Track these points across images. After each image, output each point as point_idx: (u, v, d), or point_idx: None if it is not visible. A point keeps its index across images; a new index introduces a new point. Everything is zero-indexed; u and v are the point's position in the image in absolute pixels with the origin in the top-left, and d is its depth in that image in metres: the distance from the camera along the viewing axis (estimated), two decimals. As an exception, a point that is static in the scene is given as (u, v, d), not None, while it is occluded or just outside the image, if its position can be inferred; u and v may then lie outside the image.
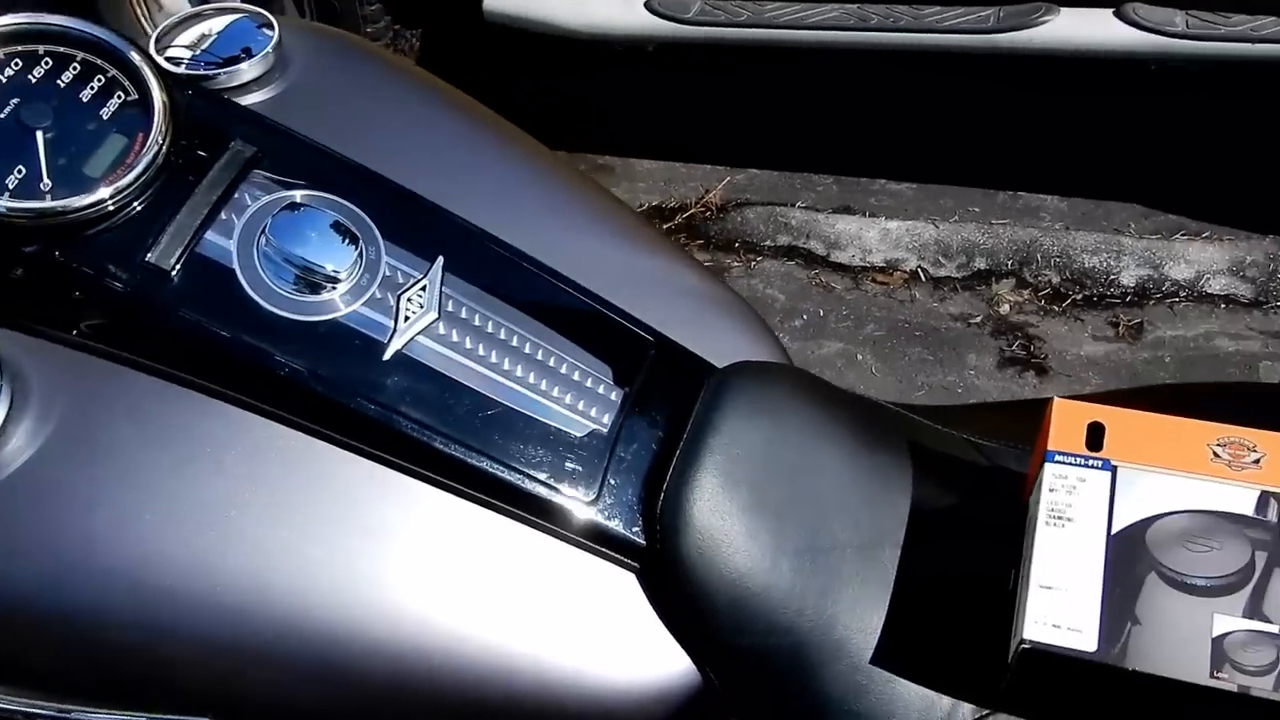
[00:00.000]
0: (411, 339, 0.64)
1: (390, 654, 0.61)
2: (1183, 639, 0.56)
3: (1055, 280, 2.12)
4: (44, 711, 0.64)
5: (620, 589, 0.65)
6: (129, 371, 0.62)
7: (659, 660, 0.64)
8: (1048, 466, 0.63)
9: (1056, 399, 0.65)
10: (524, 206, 0.74)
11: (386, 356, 0.63)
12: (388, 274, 0.65)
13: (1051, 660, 0.58)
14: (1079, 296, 2.09)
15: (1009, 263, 2.17)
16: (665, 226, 2.35)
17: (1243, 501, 0.59)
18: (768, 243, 2.29)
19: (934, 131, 2.43)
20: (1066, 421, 0.64)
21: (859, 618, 0.65)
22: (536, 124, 0.92)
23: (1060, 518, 0.61)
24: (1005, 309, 2.09)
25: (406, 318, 0.64)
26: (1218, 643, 0.56)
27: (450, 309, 0.65)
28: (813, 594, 0.64)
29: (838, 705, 0.64)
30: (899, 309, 2.12)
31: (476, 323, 0.66)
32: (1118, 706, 0.61)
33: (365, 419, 0.61)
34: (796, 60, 2.37)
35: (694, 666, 0.65)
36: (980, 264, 2.18)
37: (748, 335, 0.76)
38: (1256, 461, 0.60)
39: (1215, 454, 0.61)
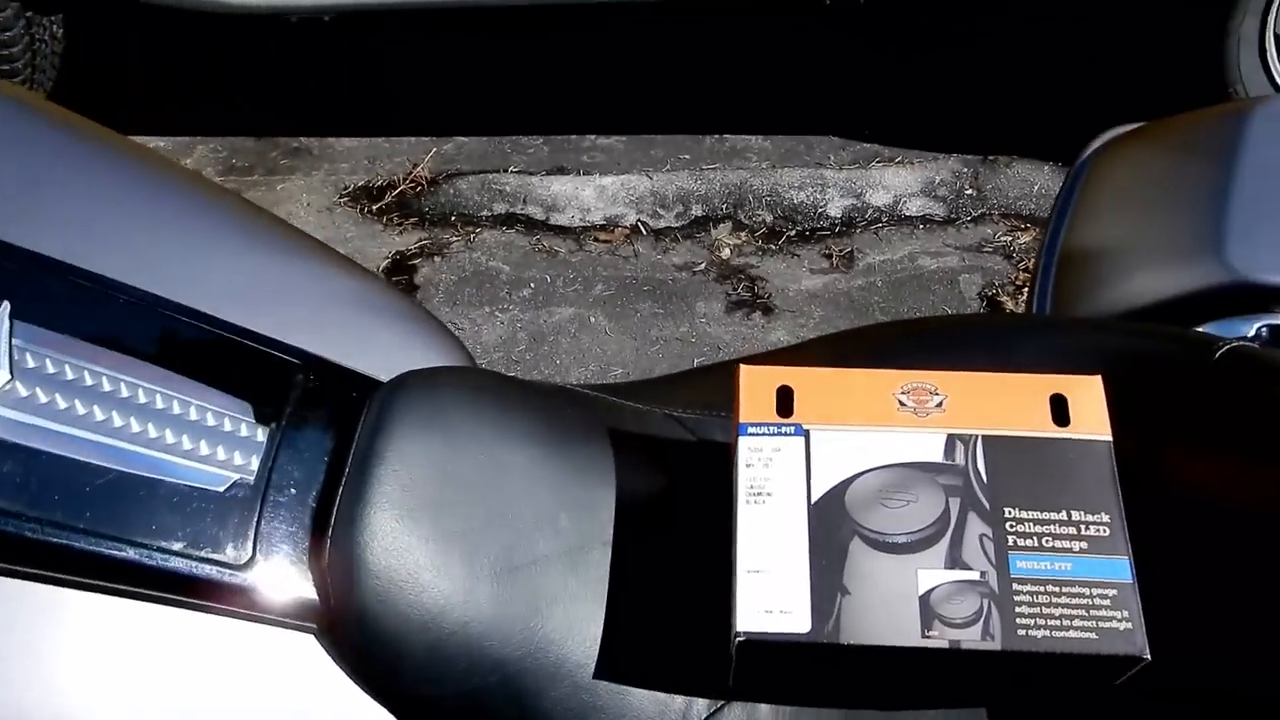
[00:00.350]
0: (-24, 410, 0.52)
1: None
2: (892, 602, 0.54)
3: (769, 219, 2.16)
4: None
5: (298, 656, 0.56)
6: None
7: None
8: (741, 441, 0.59)
9: (743, 366, 0.61)
10: (125, 228, 0.62)
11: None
12: (-66, 333, 0.52)
13: (770, 647, 0.54)
14: (792, 232, 2.14)
15: (724, 206, 2.19)
16: (375, 207, 2.22)
17: (931, 448, 0.58)
18: (485, 213, 2.21)
19: (636, 83, 2.42)
20: (755, 389, 0.60)
21: (574, 633, 0.59)
22: (213, 111, 0.79)
23: (759, 494, 0.57)
24: (726, 253, 2.11)
25: (-34, 384, 0.52)
26: (925, 600, 0.54)
27: (28, 365, 0.54)
28: (519, 619, 0.58)
29: None
30: (625, 265, 2.09)
31: (67, 376, 0.54)
32: (848, 677, 0.58)
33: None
34: (483, 22, 2.28)
35: None
36: (697, 211, 2.19)
37: (420, 341, 0.68)
38: (940, 405, 0.59)
39: (901, 403, 0.59)
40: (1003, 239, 2.09)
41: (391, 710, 0.57)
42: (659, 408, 0.71)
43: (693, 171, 2.24)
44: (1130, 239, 0.81)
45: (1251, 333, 0.75)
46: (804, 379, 0.60)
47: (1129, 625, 0.52)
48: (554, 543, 0.61)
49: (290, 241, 0.69)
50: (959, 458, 0.57)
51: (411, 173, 2.27)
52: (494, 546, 0.59)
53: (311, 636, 0.57)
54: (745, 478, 0.57)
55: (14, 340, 0.53)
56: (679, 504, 0.66)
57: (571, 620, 0.59)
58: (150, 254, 0.61)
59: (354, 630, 0.55)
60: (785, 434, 0.58)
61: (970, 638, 0.53)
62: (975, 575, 0.54)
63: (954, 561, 0.54)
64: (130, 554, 0.52)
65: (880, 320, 1.94)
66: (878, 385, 0.60)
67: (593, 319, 1.99)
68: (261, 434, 0.58)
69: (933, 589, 0.54)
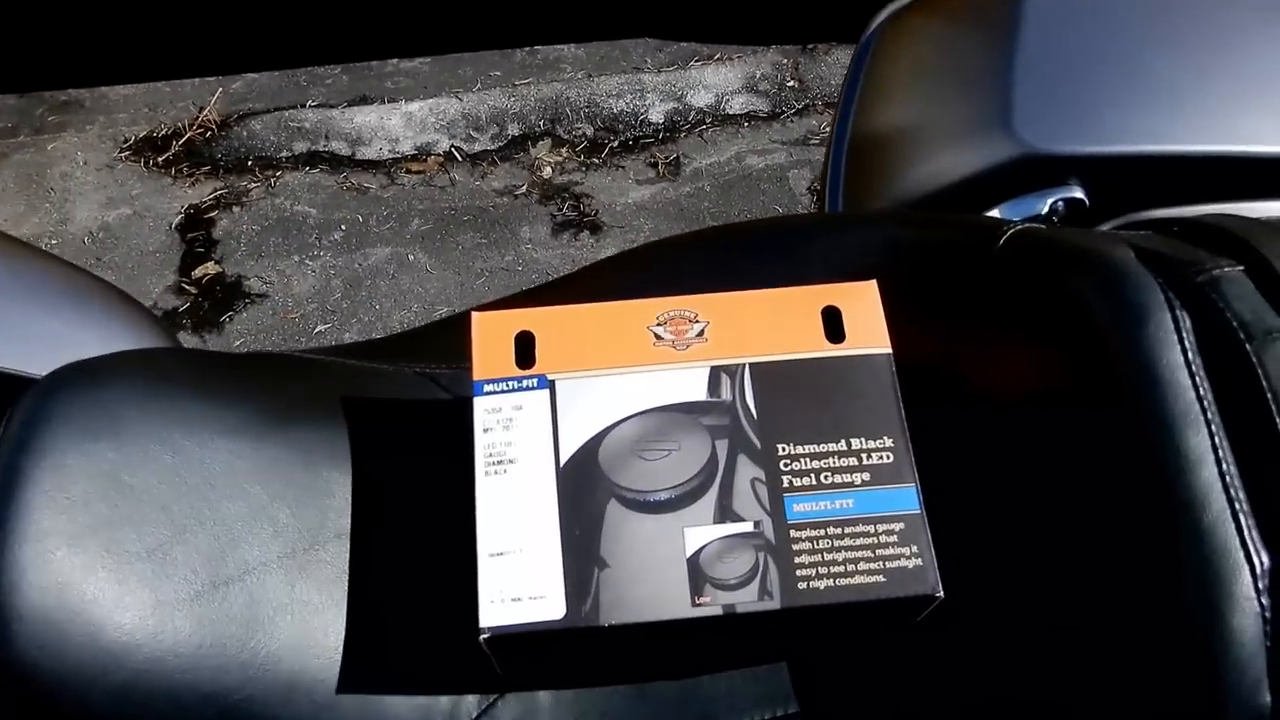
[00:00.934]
0: None
1: None
2: (657, 569, 0.47)
3: (589, 132, 2.06)
4: None
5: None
6: None
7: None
8: (477, 402, 0.50)
9: (474, 313, 0.53)
10: None
11: None
12: None
13: (526, 639, 0.47)
14: (615, 144, 2.04)
15: (541, 123, 2.07)
16: (161, 158, 2.02)
17: (693, 385, 0.50)
18: (284, 154, 2.04)
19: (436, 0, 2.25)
20: (489, 339, 0.52)
21: (308, 645, 0.51)
22: None
23: (500, 463, 0.49)
24: (548, 172, 2.00)
25: None
26: (693, 562, 0.47)
27: None
28: (232, 641, 0.49)
29: None
30: (441, 196, 1.96)
31: None
32: (628, 654, 0.51)
33: None
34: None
35: None
36: (513, 130, 2.06)
37: (99, 329, 0.57)
38: (701, 334, 0.51)
39: (657, 336, 0.51)
40: (828, 129, 2.04)
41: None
42: (409, 364, 0.62)
43: (505, 89, 2.11)
44: (917, 120, 0.74)
45: (1045, 209, 0.70)
46: (545, 321, 0.52)
47: (919, 562, 0.46)
48: (273, 545, 0.51)
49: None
50: (725, 393, 0.50)
51: (198, 117, 2.08)
52: (190, 562, 0.49)
53: (-17, 706, 0.47)
54: (483, 445, 0.49)
55: None
56: (432, 477, 0.57)
57: (304, 631, 0.51)
58: None
59: (12, 690, 0.45)
60: (527, 388, 0.50)
61: (746, 599, 0.46)
62: (748, 527, 0.47)
63: (724, 514, 0.48)
64: None
65: (710, 225, 1.88)
66: (629, 319, 0.52)
67: (411, 257, 1.87)
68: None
69: (702, 548, 0.47)
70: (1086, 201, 0.70)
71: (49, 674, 0.45)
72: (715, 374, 0.51)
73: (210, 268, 1.86)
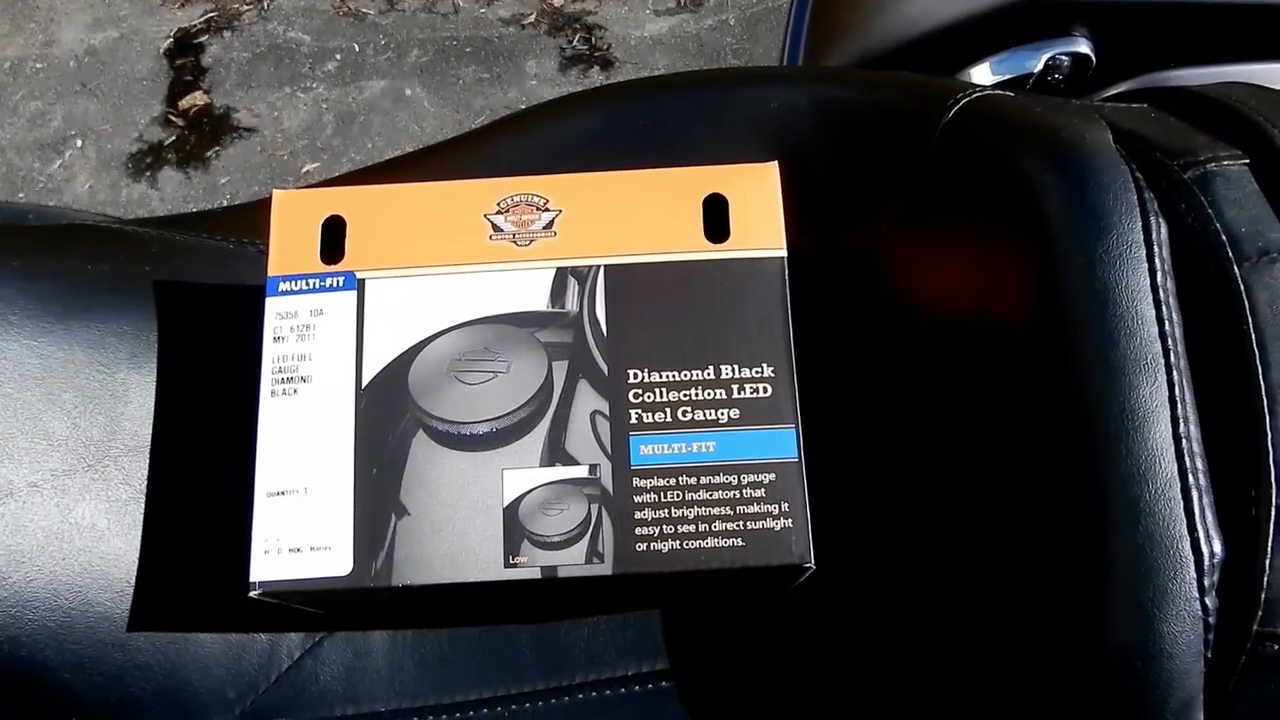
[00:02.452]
0: None
1: None
2: (466, 521, 0.38)
3: (606, -46, 1.88)
4: None
5: None
6: None
7: None
8: (269, 304, 0.41)
9: (277, 191, 0.43)
10: None
11: None
12: None
13: (309, 595, 0.39)
14: (633, -32, 1.86)
15: (555, -57, 1.89)
16: (152, -22, 1.89)
17: (533, 291, 0.41)
18: (279, -26, 1.89)
19: None
20: (292, 223, 0.42)
21: (94, 577, 0.44)
22: None
23: (290, 379, 0.40)
24: (559, 1, 1.84)
25: None
26: (511, 513, 0.38)
27: None
28: (-4, 572, 0.42)
29: (96, 705, 0.44)
30: (443, 25, 1.82)
31: None
32: (460, 604, 0.44)
33: None
34: None
35: None
36: (524, -49, 1.89)
37: None
38: (549, 225, 0.41)
39: (495, 227, 0.41)
40: (871, -43, 1.84)
41: None
42: (250, 240, 0.53)
43: (517, -97, 1.92)
44: (895, -50, 0.61)
45: (1040, 66, 0.57)
46: (361, 203, 0.42)
47: (787, 523, 0.37)
48: (45, 461, 0.44)
49: None
50: (571, 302, 0.40)
51: (189, -69, 1.93)
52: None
53: None
54: (272, 358, 0.40)
55: None
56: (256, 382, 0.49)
57: (84, 561, 0.44)
58: None
59: None
60: (330, 288, 0.41)
61: (570, 561, 0.38)
62: (582, 471, 0.38)
63: (554, 454, 0.39)
64: None
65: (732, 64, 1.72)
66: (463, 203, 0.42)
67: (409, 91, 1.74)
68: None
69: (523, 496, 0.38)
70: (1093, 58, 0.57)
71: None
72: (562, 277, 0.41)
73: (198, 98, 1.76)
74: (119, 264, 0.49)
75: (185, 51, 1.81)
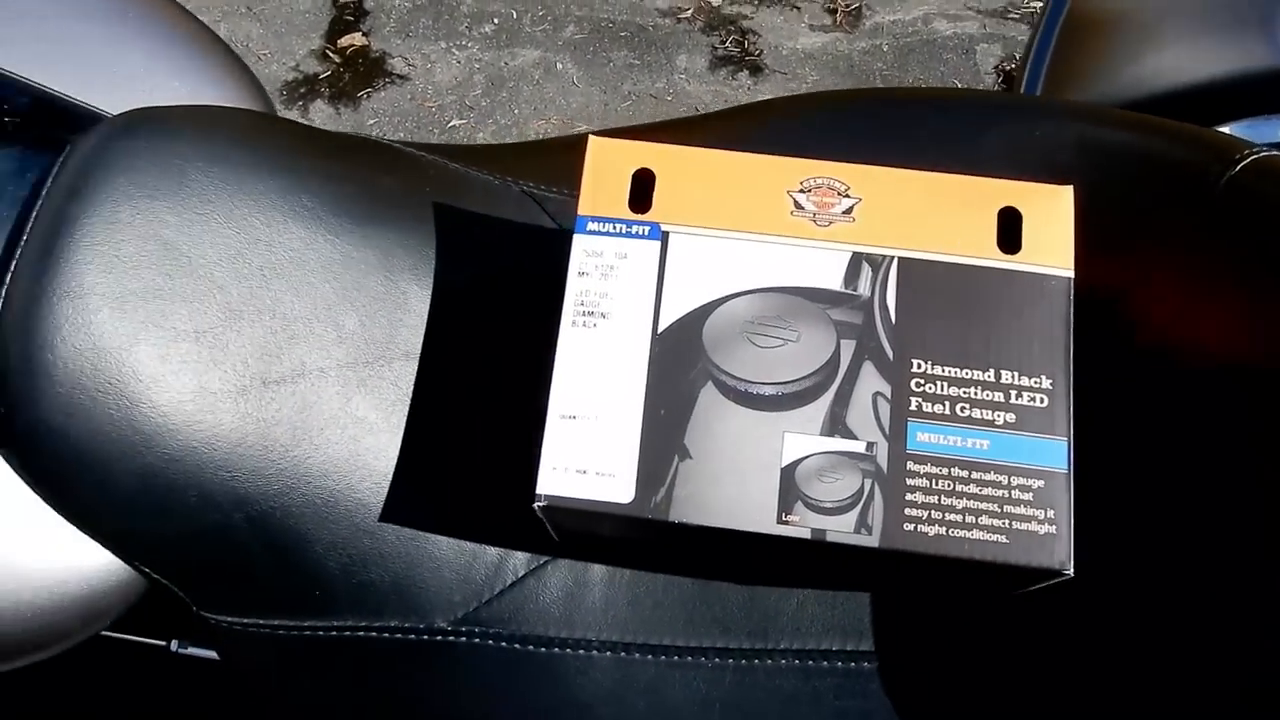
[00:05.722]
0: None
1: None
2: (745, 472, 0.41)
3: (770, -38, 1.90)
4: None
5: (-17, 474, 0.44)
6: None
7: (59, 566, 0.44)
8: (576, 240, 0.44)
9: (592, 137, 0.45)
10: None
11: None
12: None
13: (584, 514, 0.42)
14: (795, -20, 1.88)
15: (722, -57, 1.91)
16: (327, -83, 1.94)
17: (829, 270, 0.43)
18: (450, -69, 1.94)
19: None
20: (603, 170, 0.45)
21: (357, 466, 0.47)
22: None
23: (591, 314, 0.43)
24: (716, 0, 1.86)
25: None
26: (789, 473, 0.40)
27: None
28: (275, 446, 0.45)
29: (340, 582, 0.47)
30: (601, 6, 1.85)
31: None
32: (696, 550, 0.46)
33: None
34: None
35: (124, 566, 0.46)
36: (690, -54, 1.92)
37: (193, 74, 0.51)
38: (849, 211, 0.43)
39: (797, 204, 0.44)
40: (1033, 3, 1.84)
41: (104, 543, 0.45)
42: (516, 180, 0.56)
43: (691, -101, 1.94)
44: (1152, 5, 0.62)
45: (1289, 139, 0.58)
46: (672, 161, 0.44)
47: (1051, 529, 0.39)
48: (336, 350, 0.47)
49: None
50: (864, 286, 0.42)
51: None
52: (243, 352, 0.45)
53: (-2, 453, 0.44)
54: (576, 290, 0.43)
55: None
56: (518, 312, 0.52)
57: (355, 450, 0.47)
58: None
59: (38, 450, 0.42)
60: (636, 235, 0.43)
61: (840, 528, 0.40)
62: (860, 446, 0.40)
63: (834, 426, 0.41)
64: None
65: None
66: (770, 177, 0.44)
67: (559, 65, 1.78)
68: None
69: (801, 460, 0.40)
70: (1348, 138, 0.58)
71: (74, 442, 0.42)
72: (856, 261, 0.43)
73: (356, 39, 1.80)
74: (402, 181, 0.52)
75: (350, -8, 1.86)
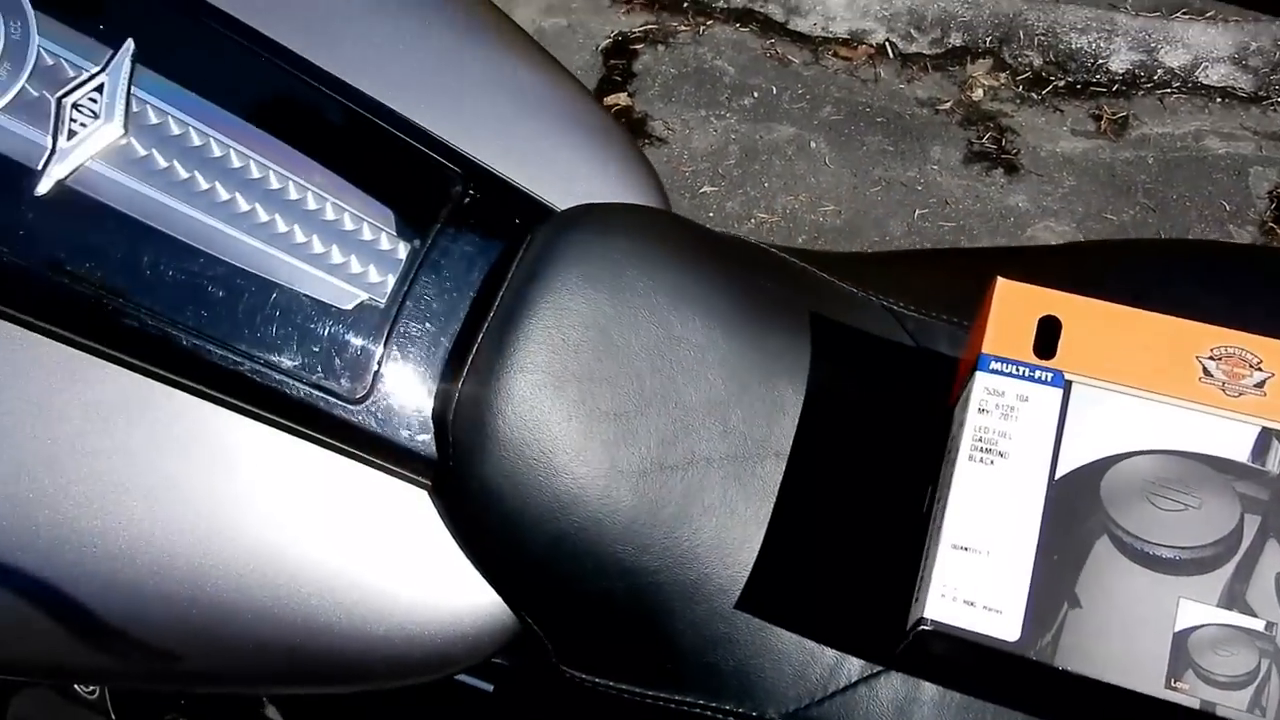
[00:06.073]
0: (82, 165, 0.44)
1: (137, 584, 0.45)
2: (1136, 631, 0.41)
3: (1037, 63, 1.88)
4: None
5: (406, 512, 0.49)
6: None
7: (460, 604, 0.49)
8: (978, 377, 0.46)
9: (1000, 279, 0.47)
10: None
11: (41, 191, 0.43)
12: (45, 63, 0.44)
13: (960, 642, 0.43)
14: (1061, 83, 1.86)
15: (988, 40, 1.92)
16: (605, -20, 2.05)
17: (1237, 441, 0.43)
18: (720, 3, 2.01)
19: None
20: (1011, 311, 0.46)
21: (724, 553, 0.50)
22: None
23: (989, 451, 0.44)
24: (979, 94, 1.86)
25: (73, 132, 0.44)
26: (1181, 640, 0.41)
27: (150, 121, 0.45)
28: (663, 525, 0.49)
29: (691, 659, 0.50)
30: (860, 89, 1.88)
31: (192, 142, 0.46)
32: (1049, 695, 0.47)
33: (12, 279, 0.43)
34: None
35: (507, 611, 0.50)
36: (956, 40, 1.92)
37: (609, 168, 0.56)
38: (1260, 385, 0.44)
39: (1205, 370, 0.44)
40: (1316, 133, 1.76)
41: (499, 589, 0.50)
42: (874, 294, 0.58)
43: (961, -7, 1.96)
44: None
45: None
46: (1078, 311, 0.46)
47: None
48: (720, 444, 0.50)
49: (476, 18, 0.57)
50: (1273, 464, 0.42)
51: (654, -54, 2.08)
52: (648, 437, 0.48)
53: (424, 494, 0.49)
54: (974, 426, 0.45)
55: (134, 89, 0.45)
56: (881, 426, 0.54)
57: (724, 538, 0.50)
58: (310, 11, 0.51)
59: (471, 502, 0.47)
60: (1039, 380, 0.45)
61: (1233, 705, 0.40)
62: (1259, 625, 0.40)
63: (1232, 599, 0.41)
64: (234, 363, 0.45)
65: (1140, 203, 1.70)
66: (1179, 339, 0.45)
67: (813, 143, 1.81)
68: (403, 249, 0.49)
69: (1195, 628, 0.41)
70: None
71: (505, 502, 0.46)
72: (1265, 437, 0.43)
73: (621, 98, 1.89)
74: (781, 286, 0.55)
75: (620, 54, 1.95)
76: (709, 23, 1.99)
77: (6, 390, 0.43)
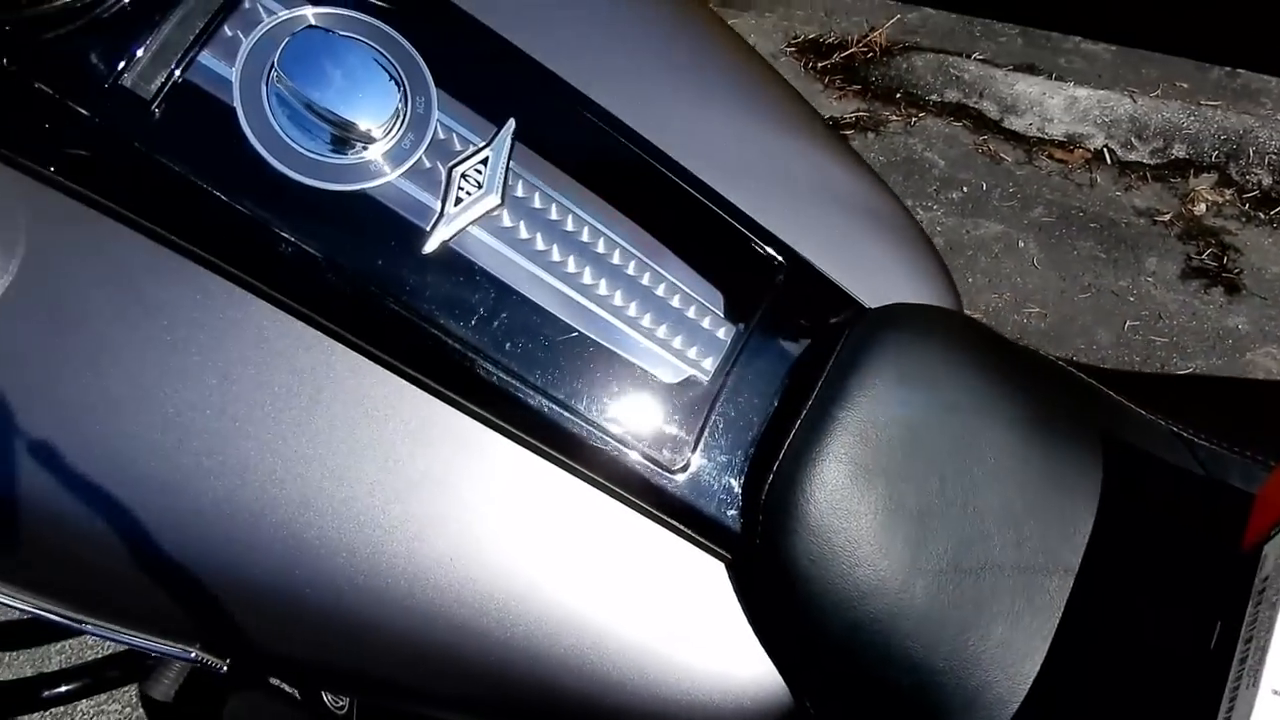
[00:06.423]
0: (463, 229, 0.48)
1: (431, 613, 0.48)
2: None
3: (1266, 182, 1.82)
4: (53, 616, 0.53)
5: (702, 581, 0.50)
6: (108, 221, 0.47)
7: (742, 677, 0.50)
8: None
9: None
10: (635, 60, 0.55)
11: (428, 249, 0.47)
12: (439, 136, 0.48)
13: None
14: (1292, 205, 1.79)
15: (1214, 154, 1.86)
16: (821, 64, 2.09)
17: None
18: (934, 97, 2.02)
19: (1151, -15, 2.08)
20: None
21: (1007, 663, 0.49)
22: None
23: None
24: (1200, 209, 1.80)
25: (459, 199, 0.48)
26: None
27: (519, 194, 0.49)
28: (952, 627, 0.49)
29: None
30: (1075, 193, 1.85)
31: (552, 216, 0.49)
32: None
33: (391, 325, 0.47)
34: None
35: (785, 689, 0.51)
36: (1179, 151, 1.87)
37: (908, 265, 0.58)
38: None
39: None
40: None
41: (782, 667, 0.51)
42: (1163, 418, 0.57)
43: (1187, 104, 1.91)
44: None
45: None
46: None
47: None
48: (1013, 552, 0.50)
49: (795, 116, 0.60)
50: None
51: (867, 36, 2.12)
52: (947, 538, 0.49)
53: (721, 566, 0.51)
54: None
55: (511, 164, 0.49)
56: (1169, 555, 0.53)
57: (1009, 648, 0.49)
58: (655, 98, 0.54)
59: (774, 581, 0.48)
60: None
61: None
62: None
63: None
64: (570, 422, 0.48)
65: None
66: None
67: (1022, 243, 1.79)
68: (726, 332, 0.51)
69: None
70: None
71: (809, 585, 0.47)
72: None
73: (828, 182, 1.91)
74: (1078, 405, 0.55)
75: (829, 138, 1.98)
76: (921, 114, 1.99)
77: (367, 424, 0.47)
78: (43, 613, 0.53)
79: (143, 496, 0.45)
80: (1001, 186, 1.87)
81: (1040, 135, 1.94)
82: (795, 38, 2.17)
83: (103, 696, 1.42)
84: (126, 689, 1.42)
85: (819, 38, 2.16)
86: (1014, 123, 1.96)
